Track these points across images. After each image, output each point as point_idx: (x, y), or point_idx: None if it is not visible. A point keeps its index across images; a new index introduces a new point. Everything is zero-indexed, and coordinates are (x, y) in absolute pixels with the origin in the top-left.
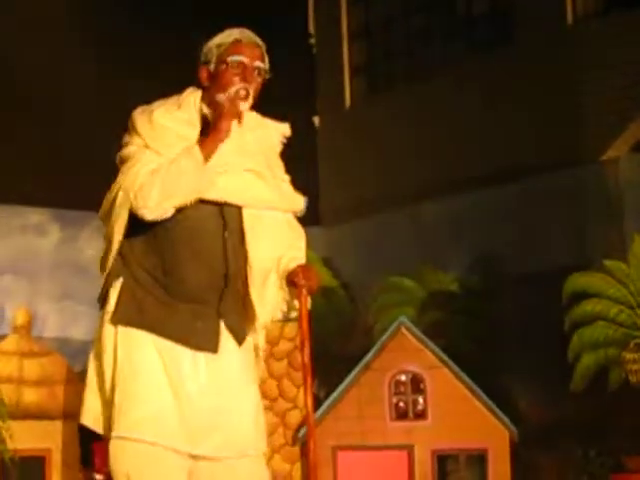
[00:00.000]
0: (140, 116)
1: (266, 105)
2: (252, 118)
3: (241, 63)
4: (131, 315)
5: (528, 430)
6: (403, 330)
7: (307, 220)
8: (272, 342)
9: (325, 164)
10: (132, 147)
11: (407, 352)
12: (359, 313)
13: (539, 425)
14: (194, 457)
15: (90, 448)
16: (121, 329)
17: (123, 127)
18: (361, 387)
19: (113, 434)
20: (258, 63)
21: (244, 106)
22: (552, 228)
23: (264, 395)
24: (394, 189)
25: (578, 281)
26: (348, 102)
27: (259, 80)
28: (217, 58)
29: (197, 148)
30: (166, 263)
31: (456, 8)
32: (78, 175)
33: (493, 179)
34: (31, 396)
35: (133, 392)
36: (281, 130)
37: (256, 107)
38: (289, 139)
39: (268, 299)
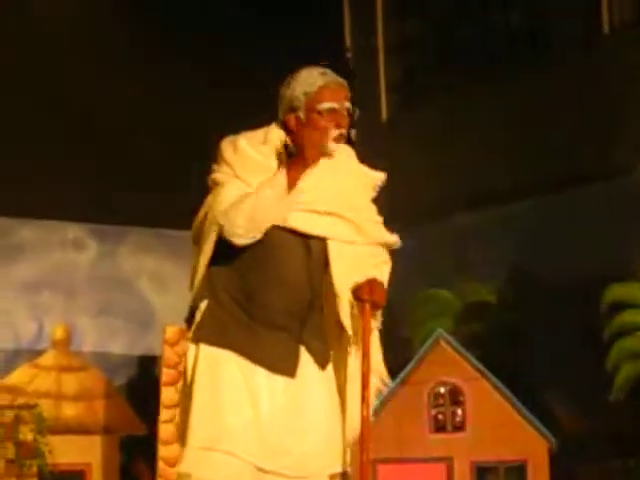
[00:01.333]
0: (228, 145)
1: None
2: (349, 158)
3: (333, 110)
4: (213, 335)
5: (567, 441)
6: (441, 342)
7: None
8: None
9: None
10: (220, 174)
11: (445, 364)
12: (396, 325)
13: (578, 436)
14: (264, 471)
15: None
16: (203, 347)
17: (163, 143)
18: (400, 400)
19: (193, 444)
20: (347, 104)
21: (337, 147)
22: (588, 239)
23: None
24: (430, 202)
25: (617, 291)
26: (385, 115)
27: (348, 121)
28: (306, 106)
29: (282, 176)
30: (250, 288)
31: (493, 22)
32: (117, 191)
33: (530, 190)
34: (70, 411)
35: (215, 404)
36: (377, 177)
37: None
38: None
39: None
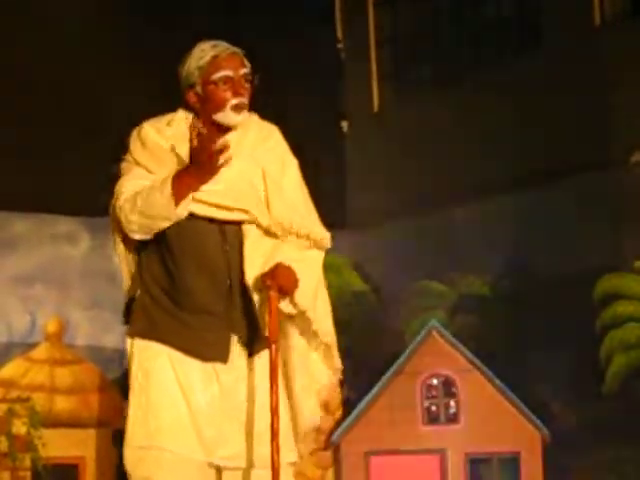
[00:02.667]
0: (133, 133)
1: (294, 110)
2: (254, 123)
3: (228, 78)
4: (144, 327)
5: (560, 432)
6: (434, 334)
7: (336, 224)
8: None
9: (354, 168)
10: (125, 163)
11: (438, 356)
12: (390, 317)
13: (571, 427)
14: (216, 468)
15: None
16: (137, 341)
17: None
18: (393, 392)
19: (131, 443)
20: (243, 70)
21: (242, 117)
22: (583, 230)
23: None
24: (423, 192)
25: (609, 283)
26: (376, 106)
27: (249, 87)
28: (202, 80)
29: (169, 185)
30: (173, 275)
31: (484, 12)
32: (108, 182)
33: (524, 182)
34: (63, 404)
35: (149, 402)
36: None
37: (284, 113)
38: (317, 144)
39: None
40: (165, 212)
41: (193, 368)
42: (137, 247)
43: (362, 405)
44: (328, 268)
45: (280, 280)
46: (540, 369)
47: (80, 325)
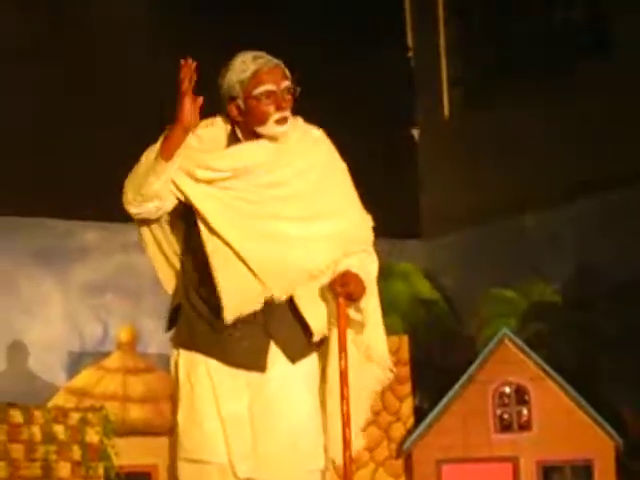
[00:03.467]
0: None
1: (364, 118)
2: (299, 128)
3: (270, 92)
4: (186, 337)
5: (634, 440)
6: (506, 342)
7: (408, 232)
8: None
9: (425, 176)
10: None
11: (510, 364)
12: (461, 325)
13: None
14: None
15: None
16: (181, 351)
17: None
18: (464, 400)
19: (180, 455)
20: (285, 84)
21: (284, 129)
22: None
23: None
24: (495, 200)
25: None
26: (447, 114)
27: (291, 99)
28: (244, 94)
29: (159, 142)
30: (211, 283)
31: (554, 20)
32: None
33: (593, 188)
34: (136, 413)
35: (193, 413)
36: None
37: (354, 122)
38: (388, 152)
39: (320, 311)
40: (154, 166)
41: (228, 377)
42: (180, 255)
43: (434, 413)
44: (398, 276)
45: (350, 287)
46: (612, 376)
47: (152, 333)
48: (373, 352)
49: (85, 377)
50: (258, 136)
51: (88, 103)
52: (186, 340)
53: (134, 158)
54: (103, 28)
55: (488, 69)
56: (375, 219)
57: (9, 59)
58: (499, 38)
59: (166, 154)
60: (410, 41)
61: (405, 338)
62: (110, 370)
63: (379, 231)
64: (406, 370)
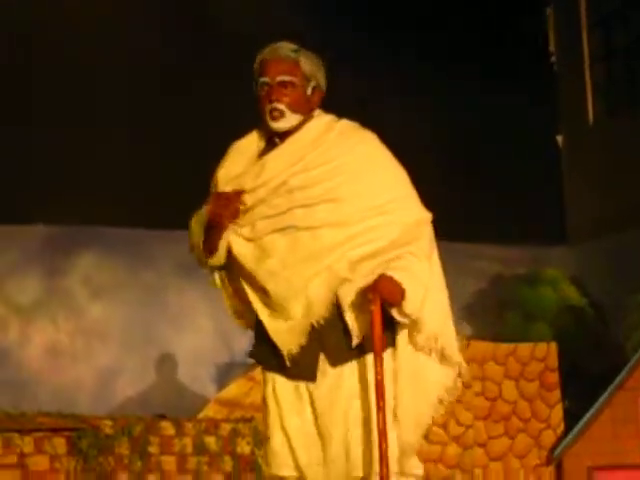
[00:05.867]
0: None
1: (509, 124)
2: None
3: (265, 84)
4: (259, 354)
5: None
6: None
7: (554, 239)
8: (523, 362)
9: (570, 183)
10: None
11: None
12: (609, 332)
13: None
14: None
15: None
16: (262, 368)
17: None
18: (614, 407)
19: (265, 470)
20: (280, 77)
21: (278, 125)
22: None
23: (518, 416)
24: None
25: None
26: (591, 120)
27: (292, 93)
28: (254, 81)
29: (202, 236)
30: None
31: None
32: None
33: None
34: None
35: (267, 428)
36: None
37: (498, 132)
38: (532, 159)
39: (362, 317)
40: (202, 259)
41: (288, 389)
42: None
43: (584, 420)
44: (545, 282)
45: (383, 293)
46: None
47: None
48: (447, 352)
49: (235, 388)
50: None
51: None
52: (256, 356)
53: None
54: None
55: (632, 77)
56: (522, 226)
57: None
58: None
59: (207, 252)
60: (553, 47)
61: (553, 345)
62: (260, 381)
63: (525, 238)
64: (555, 377)
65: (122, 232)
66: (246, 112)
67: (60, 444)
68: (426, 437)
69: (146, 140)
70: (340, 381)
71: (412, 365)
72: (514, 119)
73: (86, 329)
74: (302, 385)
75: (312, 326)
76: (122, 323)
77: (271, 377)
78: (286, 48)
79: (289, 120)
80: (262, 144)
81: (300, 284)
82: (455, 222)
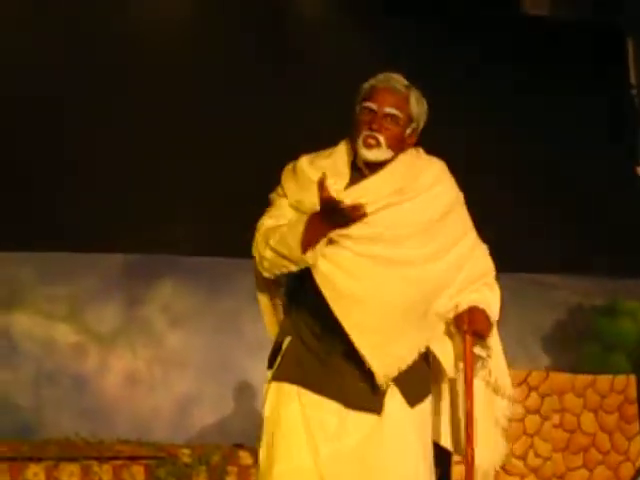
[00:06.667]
0: (289, 165)
1: (587, 158)
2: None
3: (370, 110)
4: (287, 371)
5: None
6: None
7: (636, 270)
8: (602, 394)
9: None
10: (274, 194)
11: None
12: None
13: None
14: None
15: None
16: (274, 384)
17: None
18: None
19: None
20: (389, 110)
21: (370, 154)
22: None
23: (597, 448)
24: None
25: None
26: None
27: (394, 128)
28: (358, 103)
29: (301, 229)
30: (325, 320)
31: None
32: None
33: None
34: None
35: (275, 447)
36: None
37: (575, 161)
38: (611, 191)
39: (447, 349)
40: (294, 256)
41: (330, 414)
42: (285, 291)
43: None
44: (624, 314)
45: (477, 325)
46: None
47: None
48: (500, 384)
49: None
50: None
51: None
52: (286, 374)
53: None
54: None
55: None
56: (602, 258)
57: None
58: None
59: (306, 245)
60: (633, 79)
61: (632, 377)
62: None
63: (606, 269)
64: (634, 409)
65: (200, 260)
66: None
67: (138, 472)
68: (505, 469)
69: (228, 170)
70: (404, 417)
71: (479, 399)
72: (595, 148)
73: (164, 357)
74: (347, 412)
75: None
76: (200, 351)
77: (295, 395)
78: (399, 81)
79: (382, 153)
80: (343, 168)
81: None
82: (535, 254)
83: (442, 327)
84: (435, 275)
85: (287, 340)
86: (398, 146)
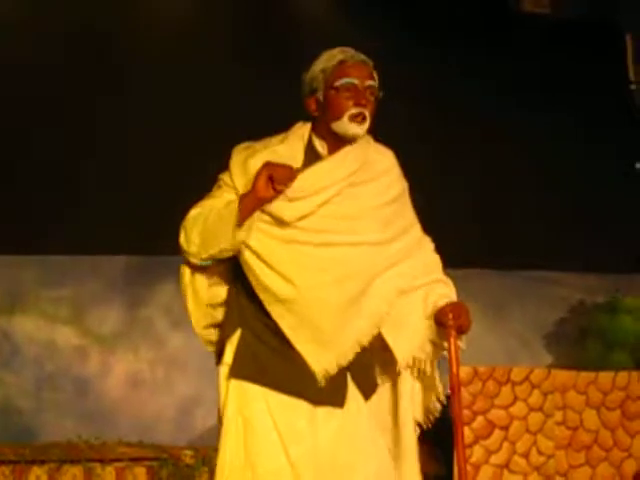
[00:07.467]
0: (239, 151)
1: (587, 151)
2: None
3: (352, 85)
4: (245, 369)
5: None
6: None
7: (635, 266)
8: (604, 391)
9: None
10: (219, 182)
11: None
12: None
13: None
14: None
15: None
16: (234, 382)
17: None
18: None
19: None
20: (369, 82)
21: (361, 129)
22: None
23: (600, 446)
24: None
25: None
26: None
27: (373, 100)
28: (324, 84)
29: (234, 208)
30: None
31: None
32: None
33: None
34: None
35: (247, 451)
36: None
37: (576, 161)
38: (612, 186)
39: (407, 340)
40: (227, 233)
41: (298, 412)
42: (229, 282)
43: None
44: (625, 311)
45: (462, 320)
46: None
47: None
48: (436, 380)
49: None
50: (334, 137)
51: None
52: (245, 372)
53: None
54: None
55: None
56: (601, 254)
57: None
58: None
59: (239, 221)
60: (632, 75)
61: (635, 374)
62: None
63: (606, 266)
64: (636, 406)
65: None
66: None
67: (141, 474)
68: (507, 467)
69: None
70: (362, 410)
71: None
72: (592, 144)
73: (166, 359)
74: (314, 409)
75: None
76: (202, 353)
77: (262, 397)
78: (360, 54)
79: (365, 127)
80: (297, 153)
81: None
82: (537, 251)
83: (398, 312)
84: (382, 259)
85: (237, 333)
86: (372, 119)
